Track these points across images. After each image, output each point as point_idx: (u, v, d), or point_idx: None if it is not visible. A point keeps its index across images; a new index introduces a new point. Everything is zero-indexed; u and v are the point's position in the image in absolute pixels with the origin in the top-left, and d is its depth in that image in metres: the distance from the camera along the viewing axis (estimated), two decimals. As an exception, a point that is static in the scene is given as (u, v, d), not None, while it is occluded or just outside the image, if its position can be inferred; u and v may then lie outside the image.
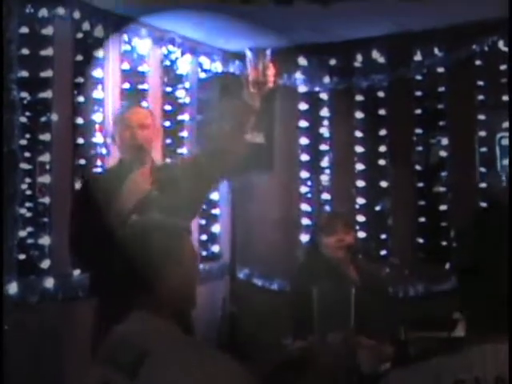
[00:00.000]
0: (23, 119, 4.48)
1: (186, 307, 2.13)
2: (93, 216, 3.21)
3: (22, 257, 4.47)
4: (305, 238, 5.92)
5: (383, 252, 5.91)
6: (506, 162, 5.54)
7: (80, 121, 4.90)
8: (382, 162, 5.99)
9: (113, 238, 2.31)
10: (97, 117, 4.99)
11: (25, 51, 4.54)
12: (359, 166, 6.05)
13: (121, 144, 3.55)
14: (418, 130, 5.89)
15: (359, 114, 6.05)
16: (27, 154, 4.56)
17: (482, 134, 5.65)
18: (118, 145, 3.58)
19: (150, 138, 3.55)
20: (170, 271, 2.01)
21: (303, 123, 6.22)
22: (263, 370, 2.21)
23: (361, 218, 5.98)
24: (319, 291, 3.69)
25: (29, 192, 4.58)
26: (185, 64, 5.81)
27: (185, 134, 5.78)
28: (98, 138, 4.97)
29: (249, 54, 3.23)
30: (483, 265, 1.61)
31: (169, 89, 5.69)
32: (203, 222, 6.02)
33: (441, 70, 5.76)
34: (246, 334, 5.77)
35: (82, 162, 4.90)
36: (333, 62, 6.10)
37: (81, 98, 4.92)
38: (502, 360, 1.53)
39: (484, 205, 5.53)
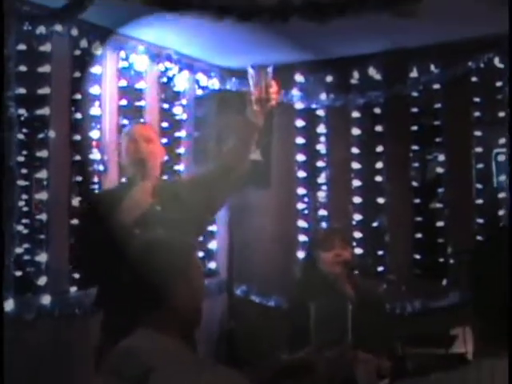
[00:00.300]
0: (20, 136, 4.48)
1: (191, 324, 2.11)
2: (98, 231, 3.21)
3: (19, 273, 4.46)
4: (302, 254, 5.92)
5: (380, 268, 5.90)
6: (502, 178, 5.56)
7: (77, 137, 4.90)
8: (378, 178, 6.00)
9: (117, 252, 2.31)
10: (94, 133, 5.00)
11: (22, 68, 4.55)
12: (356, 183, 6.05)
13: (125, 158, 3.56)
14: (415, 147, 5.90)
15: (356, 131, 6.06)
16: (24, 171, 4.56)
17: (479, 150, 5.66)
18: (123, 159, 3.59)
19: (155, 152, 3.56)
20: (176, 288, 2.00)
21: (300, 140, 6.23)
22: (262, 377, 2.20)
23: (358, 235, 5.98)
24: (316, 307, 3.69)
25: (26, 209, 4.58)
26: (182, 81, 5.83)
27: (182, 150, 5.79)
28: (95, 155, 4.97)
29: (251, 71, 3.23)
30: (496, 281, 1.62)
31: (166, 105, 5.71)
32: (200, 238, 6.01)
33: (437, 86, 5.78)
34: (244, 351, 5.75)
35: (79, 178, 4.90)
36: (329, 78, 6.12)
37: (78, 115, 4.93)
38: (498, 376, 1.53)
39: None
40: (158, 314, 1.99)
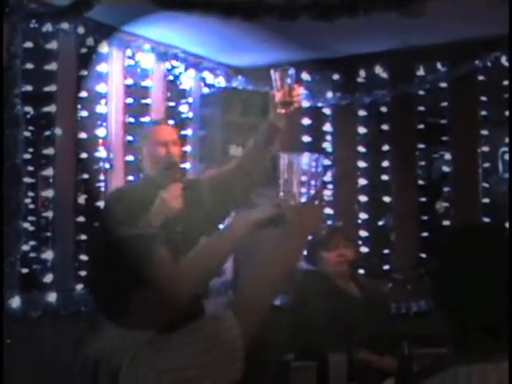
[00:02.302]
0: (27, 133, 4.49)
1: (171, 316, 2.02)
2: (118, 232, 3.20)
3: (25, 271, 4.47)
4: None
5: (386, 267, 5.89)
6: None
7: (83, 135, 4.91)
8: (384, 177, 5.99)
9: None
10: (100, 131, 5.00)
11: (29, 66, 4.56)
12: (362, 181, 6.04)
13: (152, 161, 3.53)
14: (421, 145, 5.89)
15: (362, 129, 6.05)
16: (30, 168, 4.57)
17: (485, 148, 5.64)
18: (148, 161, 3.56)
19: (180, 155, 3.58)
20: (138, 283, 1.94)
21: (306, 138, 6.22)
22: None
23: (363, 233, 5.97)
24: (320, 308, 3.68)
25: (32, 206, 4.59)
26: (188, 79, 5.83)
27: (188, 148, 5.78)
28: (101, 153, 4.98)
29: (273, 74, 3.23)
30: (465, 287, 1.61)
31: (172, 104, 5.70)
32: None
33: (443, 85, 5.77)
34: (247, 350, 5.74)
35: (85, 176, 4.91)
36: (336, 77, 6.11)
37: (84, 113, 4.93)
38: (490, 381, 1.53)
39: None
40: (123, 311, 1.95)
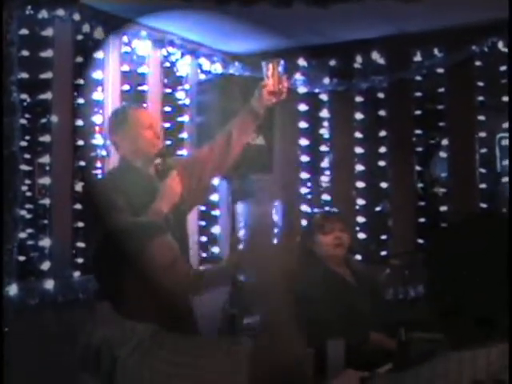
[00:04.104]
0: (23, 121, 4.48)
1: (167, 309, 2.03)
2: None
3: (22, 258, 4.47)
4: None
5: (383, 253, 5.90)
6: (505, 162, 5.54)
7: (80, 123, 4.90)
8: (381, 162, 5.99)
9: None
10: (97, 119, 4.99)
11: (25, 53, 4.54)
12: (359, 167, 6.05)
13: (138, 144, 3.49)
14: (418, 131, 5.89)
15: (359, 115, 6.05)
16: (27, 156, 4.56)
17: (482, 134, 5.64)
18: (132, 145, 3.51)
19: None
20: (134, 274, 1.95)
21: (303, 124, 6.22)
22: None
23: (361, 219, 5.98)
24: (316, 295, 3.68)
25: (29, 193, 4.59)
26: (185, 66, 5.81)
27: (184, 135, 5.78)
28: (97, 140, 4.97)
29: (264, 65, 3.31)
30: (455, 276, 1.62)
31: (168, 90, 5.70)
32: (203, 223, 6.01)
33: (440, 70, 5.76)
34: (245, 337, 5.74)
35: (82, 163, 4.90)
36: (333, 63, 6.10)
37: (81, 100, 4.92)
38: (479, 366, 1.54)
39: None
40: (121, 299, 1.95)
